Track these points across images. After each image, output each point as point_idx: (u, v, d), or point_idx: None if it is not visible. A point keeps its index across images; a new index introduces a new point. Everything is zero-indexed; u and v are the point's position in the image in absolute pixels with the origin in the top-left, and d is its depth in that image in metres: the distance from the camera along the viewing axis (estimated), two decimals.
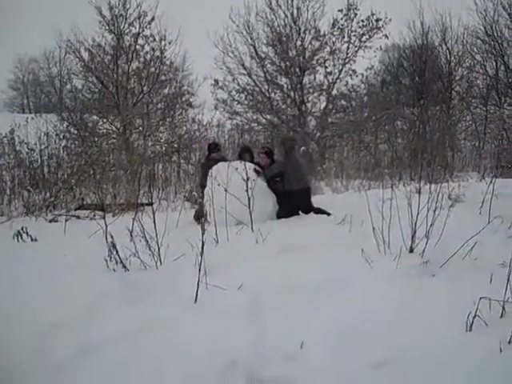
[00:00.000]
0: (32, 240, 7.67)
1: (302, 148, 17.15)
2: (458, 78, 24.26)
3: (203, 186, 8.98)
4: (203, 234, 4.82)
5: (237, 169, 8.43)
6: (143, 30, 18.18)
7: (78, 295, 4.74)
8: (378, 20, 20.43)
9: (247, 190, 8.00)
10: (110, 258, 5.55)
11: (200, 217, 8.65)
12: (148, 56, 18.55)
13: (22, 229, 7.71)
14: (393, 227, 5.74)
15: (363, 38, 20.74)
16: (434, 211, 5.65)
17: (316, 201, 9.50)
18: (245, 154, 9.54)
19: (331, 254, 5.64)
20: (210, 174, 8.61)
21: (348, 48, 21.01)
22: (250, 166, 8.58)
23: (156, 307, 4.41)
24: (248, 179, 8.13)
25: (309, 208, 8.83)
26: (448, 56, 24.09)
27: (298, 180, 8.84)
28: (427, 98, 23.02)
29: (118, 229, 5.99)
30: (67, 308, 4.44)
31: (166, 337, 3.90)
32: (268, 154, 9.27)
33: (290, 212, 8.75)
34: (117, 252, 5.57)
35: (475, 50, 23.40)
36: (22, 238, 7.64)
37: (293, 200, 8.75)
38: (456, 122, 22.35)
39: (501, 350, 3.39)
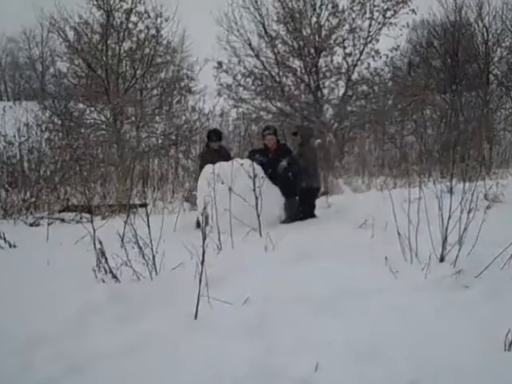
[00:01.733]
0: (10, 246, 7.71)
1: (318, 140, 17.06)
2: (496, 59, 24.14)
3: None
4: (204, 239, 4.84)
5: (242, 165, 8.50)
6: (136, 6, 18.07)
7: (63, 309, 4.76)
8: None
9: (255, 190, 8.05)
10: (99, 267, 5.58)
11: (199, 221, 8.69)
12: (142, 35, 18.50)
13: None
14: (421, 232, 5.76)
15: (387, 14, 20.63)
16: (468, 213, 5.65)
17: (333, 202, 9.56)
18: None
19: (350, 263, 5.66)
20: (204, 171, 8.72)
21: (370, 25, 20.92)
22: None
23: (150, 323, 4.43)
24: (256, 176, 8.20)
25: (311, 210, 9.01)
26: (485, 34, 23.99)
27: (316, 176, 9.03)
28: (461, 83, 22.93)
29: (107, 234, 6.03)
30: (51, 323, 4.47)
31: (161, 357, 3.91)
32: (274, 133, 9.48)
33: (302, 212, 8.88)
34: (106, 260, 5.59)
35: None
36: None
37: (307, 199, 8.88)
38: (494, 109, 22.27)
39: None
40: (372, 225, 7.31)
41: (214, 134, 10.08)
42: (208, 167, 8.71)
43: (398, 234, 5.75)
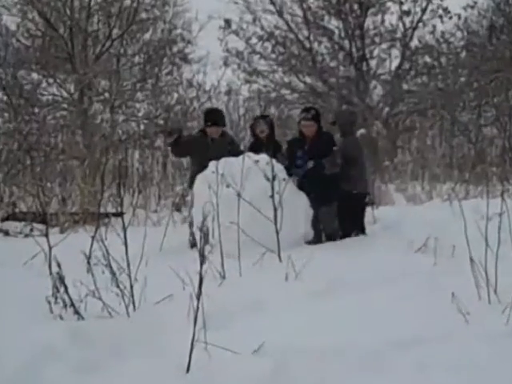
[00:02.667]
0: None
1: (361, 131, 17.13)
2: None
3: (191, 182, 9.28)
4: (202, 264, 4.84)
5: (257, 162, 8.53)
6: None
7: (8, 355, 4.77)
8: None
9: (273, 196, 8.06)
10: (56, 298, 5.59)
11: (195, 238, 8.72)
12: None
13: None
14: (502, 260, 5.74)
15: None
16: None
17: (381, 215, 9.56)
18: (259, 122, 9.75)
19: (403, 300, 5.66)
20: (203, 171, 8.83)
21: None
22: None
23: (126, 377, 4.45)
24: (275, 178, 8.22)
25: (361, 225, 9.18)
26: None
27: (362, 179, 9.34)
28: None
29: (68, 252, 6.06)
30: None
31: None
32: (315, 118, 9.48)
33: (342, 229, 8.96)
34: (66, 289, 5.61)
35: None
36: None
37: (349, 210, 9.05)
38: None
39: None
40: (434, 248, 7.31)
41: (213, 116, 10.03)
42: (211, 165, 8.74)
43: (471, 261, 5.74)
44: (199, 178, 8.90)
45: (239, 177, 8.19)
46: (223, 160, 8.69)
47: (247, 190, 8.14)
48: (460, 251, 6.19)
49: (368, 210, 10.20)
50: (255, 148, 9.51)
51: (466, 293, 5.52)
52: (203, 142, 9.71)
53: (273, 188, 8.14)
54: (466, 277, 5.74)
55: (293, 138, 9.92)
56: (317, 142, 9.26)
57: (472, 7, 21.33)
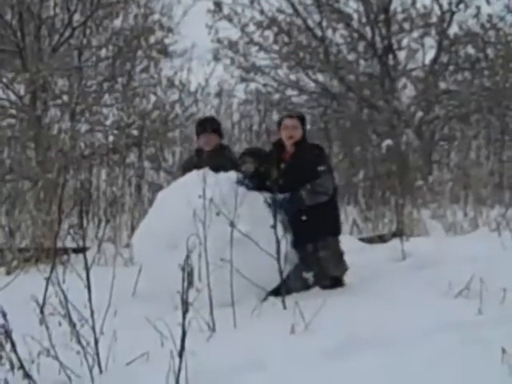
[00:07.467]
0: None
1: (387, 142, 17.13)
2: None
3: None
4: (186, 312, 4.83)
5: None
6: None
7: None
8: None
9: (275, 226, 8.07)
10: (0, 358, 5.57)
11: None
12: None
13: None
14: None
15: None
16: None
17: (412, 249, 9.56)
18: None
19: (440, 359, 5.63)
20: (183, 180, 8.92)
21: None
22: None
23: None
24: (275, 202, 8.26)
25: None
26: None
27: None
28: None
29: (16, 299, 6.06)
30: None
31: None
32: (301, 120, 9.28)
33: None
34: (13, 346, 5.60)
35: None
36: None
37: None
38: None
39: None
40: (480, 292, 7.29)
41: (205, 125, 9.88)
42: (190, 177, 8.68)
43: None
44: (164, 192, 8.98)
45: (232, 201, 8.09)
46: (211, 176, 8.51)
47: (243, 218, 8.05)
48: None
49: (395, 242, 10.20)
50: None
51: None
52: (193, 160, 9.65)
53: (275, 215, 8.12)
54: None
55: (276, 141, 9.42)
56: (298, 157, 9.01)
57: None
